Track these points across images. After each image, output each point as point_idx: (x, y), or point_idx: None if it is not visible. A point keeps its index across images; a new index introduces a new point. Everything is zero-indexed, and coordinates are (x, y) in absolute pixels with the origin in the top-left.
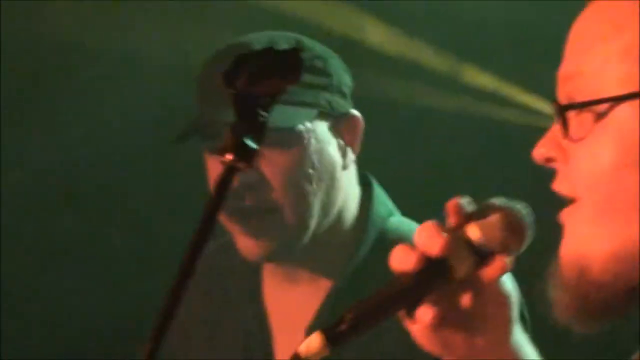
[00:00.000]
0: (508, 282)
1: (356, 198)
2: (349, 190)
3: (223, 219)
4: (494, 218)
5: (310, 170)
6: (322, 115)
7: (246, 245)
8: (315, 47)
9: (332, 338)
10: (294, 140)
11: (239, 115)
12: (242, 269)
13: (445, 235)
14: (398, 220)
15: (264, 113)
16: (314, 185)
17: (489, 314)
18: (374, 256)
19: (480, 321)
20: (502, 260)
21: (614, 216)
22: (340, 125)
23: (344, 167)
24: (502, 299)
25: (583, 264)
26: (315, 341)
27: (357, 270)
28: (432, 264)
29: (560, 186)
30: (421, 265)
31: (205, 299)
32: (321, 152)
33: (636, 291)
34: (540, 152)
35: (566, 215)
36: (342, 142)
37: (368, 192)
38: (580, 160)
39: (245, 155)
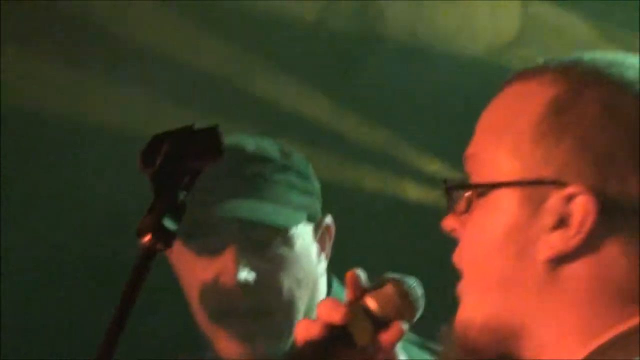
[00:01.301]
0: (401, 355)
1: None
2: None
3: (205, 322)
4: (389, 289)
5: (300, 274)
6: (307, 220)
7: (232, 349)
8: (295, 152)
9: None
10: (287, 243)
11: (157, 195)
12: None
13: (345, 306)
14: None
15: (183, 192)
16: (302, 290)
17: None
18: None
19: None
20: (399, 326)
21: (486, 291)
22: (317, 230)
23: (321, 273)
24: None
25: (465, 330)
26: None
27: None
28: (334, 333)
29: (456, 258)
30: (324, 334)
31: None
32: (308, 256)
33: (509, 356)
34: (446, 222)
35: (459, 287)
36: (318, 248)
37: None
38: (467, 239)
39: (164, 237)
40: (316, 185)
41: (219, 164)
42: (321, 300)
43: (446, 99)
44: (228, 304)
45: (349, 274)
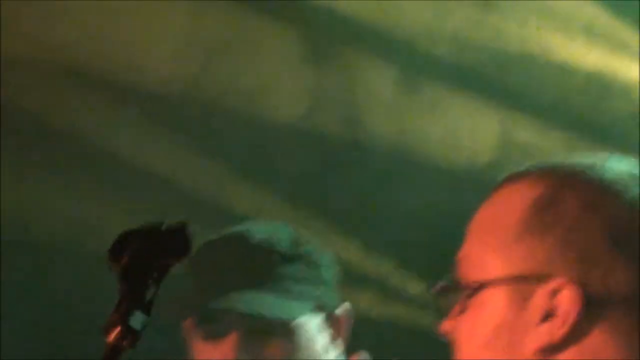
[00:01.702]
0: None
1: None
2: None
3: None
4: None
5: None
6: (315, 309)
7: None
8: (311, 240)
9: None
10: (287, 333)
11: (123, 293)
12: None
13: None
14: None
15: (150, 290)
16: None
17: None
18: None
19: None
20: None
21: None
22: (329, 319)
23: None
24: None
25: None
26: None
27: None
28: None
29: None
30: None
31: None
32: (310, 347)
33: None
34: (442, 326)
35: None
36: (329, 337)
37: None
38: (460, 340)
39: (130, 334)
40: (330, 274)
41: (226, 252)
42: None
43: (425, 213)
44: None
45: (352, 358)
